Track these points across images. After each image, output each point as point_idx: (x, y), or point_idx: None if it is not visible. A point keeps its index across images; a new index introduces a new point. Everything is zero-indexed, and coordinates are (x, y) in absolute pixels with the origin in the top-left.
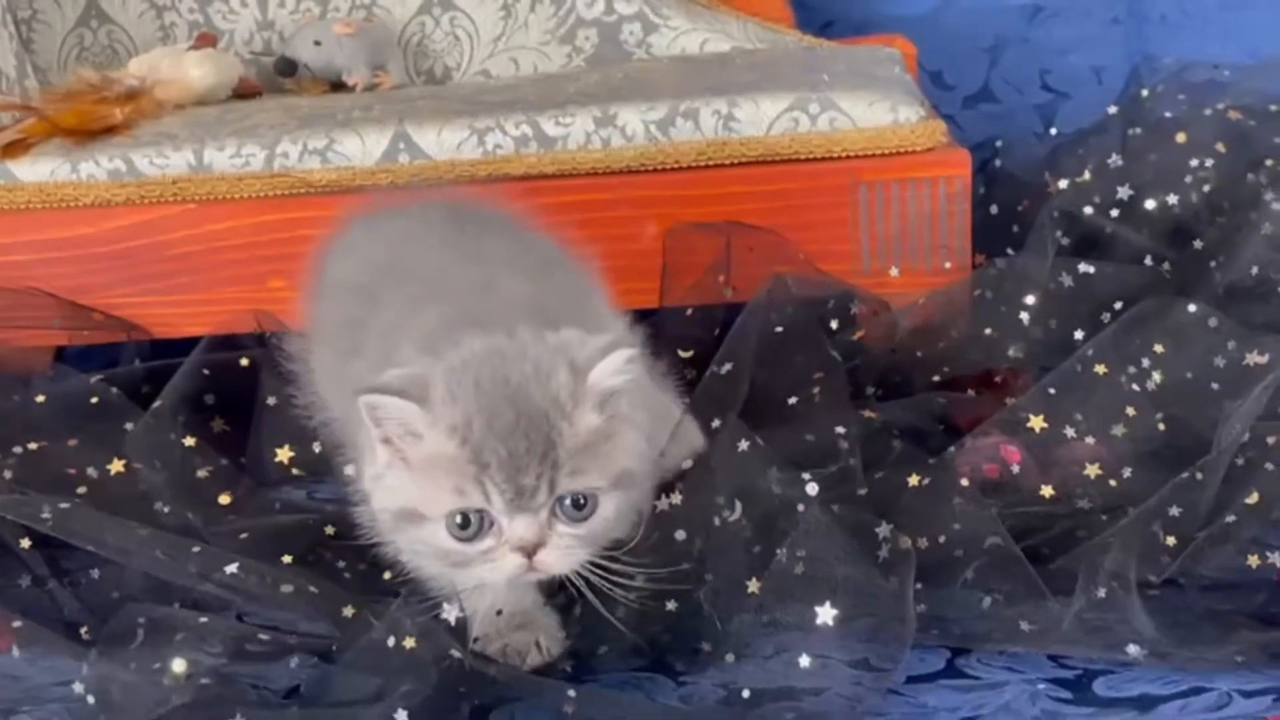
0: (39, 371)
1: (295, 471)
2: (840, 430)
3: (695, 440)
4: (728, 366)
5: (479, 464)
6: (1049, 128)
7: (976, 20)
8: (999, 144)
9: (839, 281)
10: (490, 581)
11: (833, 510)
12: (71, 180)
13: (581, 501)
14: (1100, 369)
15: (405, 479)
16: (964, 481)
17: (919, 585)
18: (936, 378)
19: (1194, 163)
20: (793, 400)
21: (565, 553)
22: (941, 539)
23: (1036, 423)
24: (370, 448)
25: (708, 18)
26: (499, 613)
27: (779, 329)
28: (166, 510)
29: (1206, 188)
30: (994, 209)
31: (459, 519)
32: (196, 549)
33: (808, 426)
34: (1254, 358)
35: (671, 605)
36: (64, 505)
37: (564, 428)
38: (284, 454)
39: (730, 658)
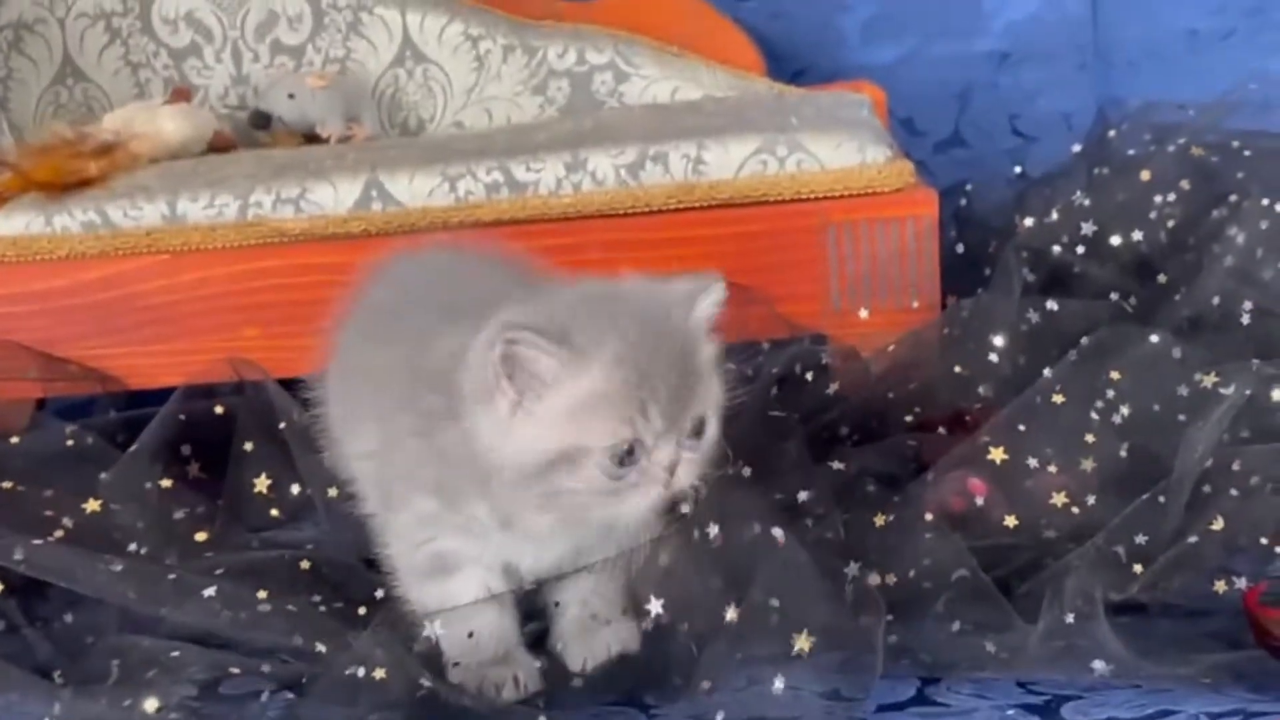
0: (18, 429)
1: (274, 513)
2: (813, 483)
3: None
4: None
5: (645, 393)
6: (1022, 171)
7: (946, 67)
8: (969, 187)
9: (803, 327)
10: (636, 513)
11: (803, 549)
12: (46, 233)
13: (700, 424)
14: (1058, 399)
15: (553, 423)
16: (928, 516)
17: (890, 618)
18: (909, 419)
19: (1158, 199)
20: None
21: (690, 471)
22: (911, 573)
23: (997, 454)
24: (483, 399)
25: (679, 66)
26: (470, 635)
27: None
28: (143, 552)
29: (1171, 223)
30: (965, 251)
31: (621, 452)
32: (172, 576)
33: (781, 478)
34: (1211, 380)
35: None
36: (36, 542)
37: (699, 356)
38: (261, 483)
39: (705, 684)
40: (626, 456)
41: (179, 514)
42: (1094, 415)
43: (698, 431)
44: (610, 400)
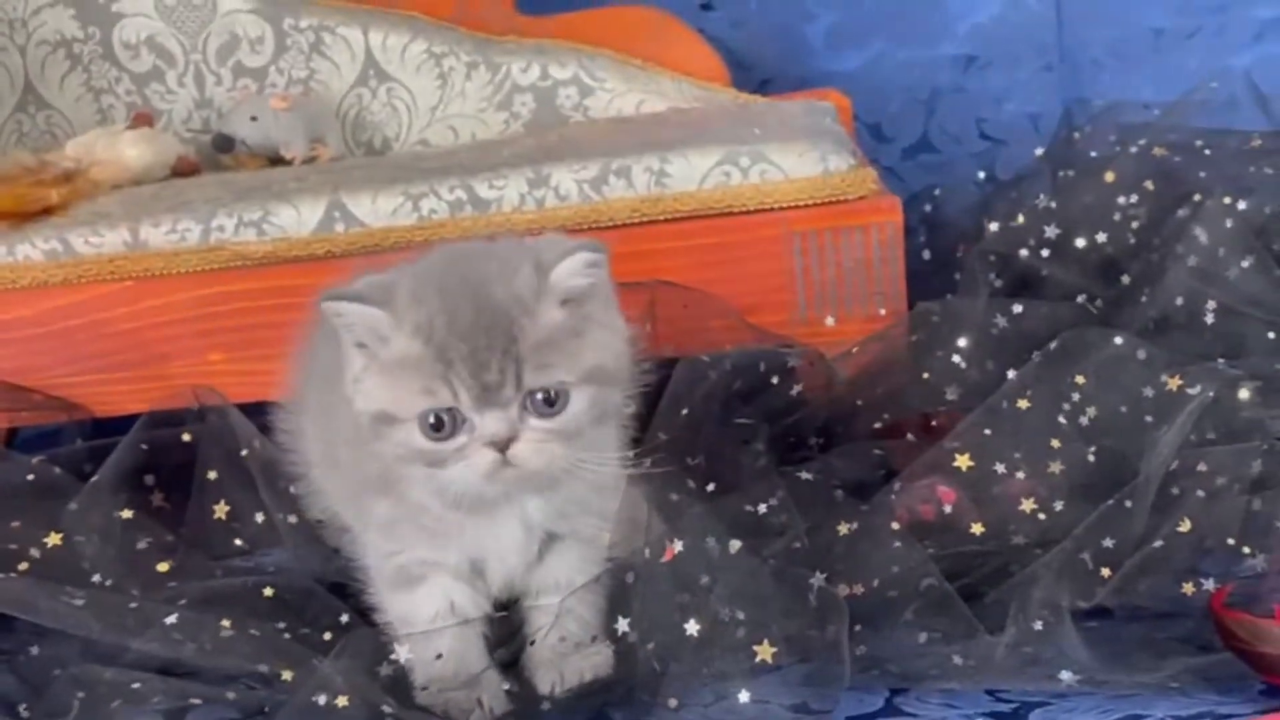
0: None
1: (238, 542)
2: (775, 494)
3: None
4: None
5: (443, 362)
6: (988, 175)
7: (912, 72)
8: (936, 192)
9: (771, 334)
10: (468, 481)
11: (767, 562)
12: (8, 262)
13: (552, 397)
14: (1024, 403)
15: (379, 382)
16: (895, 525)
17: (858, 628)
18: (878, 424)
19: (1122, 200)
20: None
21: (539, 447)
22: (877, 583)
23: (963, 461)
24: (348, 354)
25: (643, 79)
26: (438, 657)
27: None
28: (108, 584)
29: (1135, 224)
30: (932, 257)
31: (431, 419)
32: (134, 606)
33: (745, 487)
34: (1176, 383)
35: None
36: None
37: (525, 323)
38: (220, 509)
39: (672, 702)
40: (440, 426)
41: (142, 544)
42: (1060, 419)
43: (549, 402)
44: (413, 369)
